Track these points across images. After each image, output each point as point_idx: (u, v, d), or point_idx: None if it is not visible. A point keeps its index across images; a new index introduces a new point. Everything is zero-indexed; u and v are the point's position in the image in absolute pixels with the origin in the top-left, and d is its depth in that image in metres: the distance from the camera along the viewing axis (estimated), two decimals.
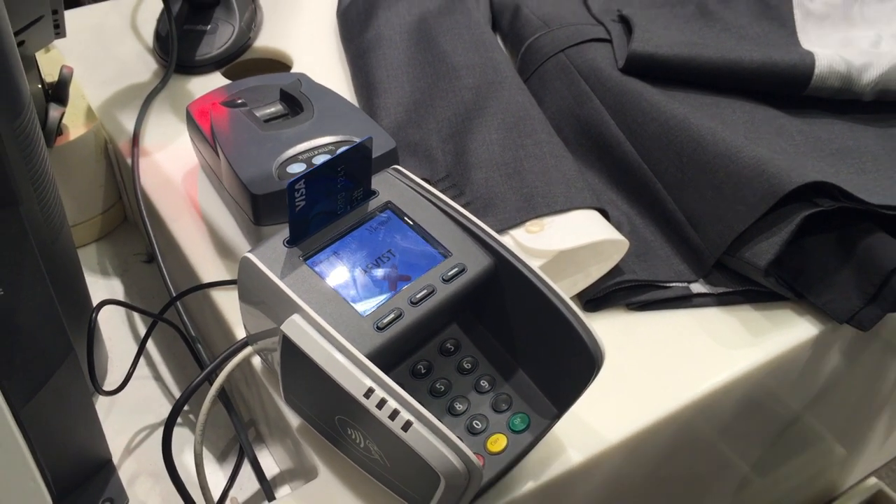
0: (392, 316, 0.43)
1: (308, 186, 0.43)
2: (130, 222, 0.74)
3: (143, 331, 0.65)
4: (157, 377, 0.62)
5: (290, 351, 0.42)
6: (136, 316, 0.66)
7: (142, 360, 0.63)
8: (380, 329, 0.43)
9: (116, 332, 0.65)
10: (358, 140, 0.54)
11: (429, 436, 0.39)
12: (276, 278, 0.43)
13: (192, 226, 0.61)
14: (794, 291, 0.56)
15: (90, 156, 0.68)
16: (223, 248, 0.59)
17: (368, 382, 0.40)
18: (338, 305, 0.43)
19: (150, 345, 0.64)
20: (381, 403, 0.40)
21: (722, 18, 0.71)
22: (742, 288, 0.56)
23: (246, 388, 0.58)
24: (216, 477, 0.57)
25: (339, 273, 0.44)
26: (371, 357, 0.41)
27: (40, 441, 0.47)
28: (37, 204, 0.46)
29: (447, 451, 0.39)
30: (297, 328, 0.42)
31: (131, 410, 0.59)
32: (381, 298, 0.44)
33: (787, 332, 0.55)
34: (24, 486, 0.41)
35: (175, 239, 0.61)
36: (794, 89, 0.64)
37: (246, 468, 0.56)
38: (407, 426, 0.39)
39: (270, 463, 0.58)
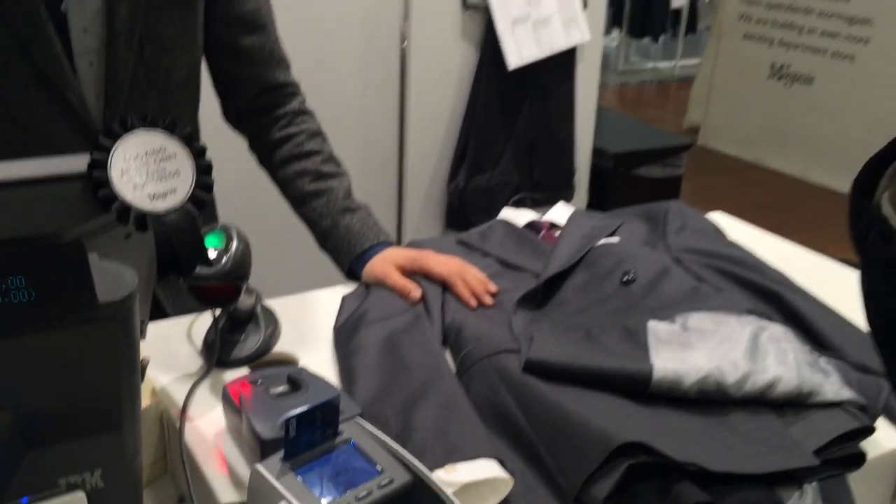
0: None
1: (298, 423, 0.71)
2: (168, 474, 1.00)
3: None
4: None
5: None
6: None
7: None
8: None
9: None
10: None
11: None
12: (273, 479, 0.70)
13: (216, 469, 0.87)
14: None
15: (151, 422, 0.96)
16: (237, 480, 0.85)
17: None
18: (309, 498, 0.69)
19: None
20: None
21: (600, 341, 1.02)
22: None
23: None
24: None
25: (313, 479, 0.71)
26: None
27: None
28: (129, 433, 0.74)
29: None
30: None
31: None
32: (337, 495, 0.70)
33: None
34: None
35: (204, 476, 0.87)
36: (639, 389, 0.93)
37: None
38: None
39: None
